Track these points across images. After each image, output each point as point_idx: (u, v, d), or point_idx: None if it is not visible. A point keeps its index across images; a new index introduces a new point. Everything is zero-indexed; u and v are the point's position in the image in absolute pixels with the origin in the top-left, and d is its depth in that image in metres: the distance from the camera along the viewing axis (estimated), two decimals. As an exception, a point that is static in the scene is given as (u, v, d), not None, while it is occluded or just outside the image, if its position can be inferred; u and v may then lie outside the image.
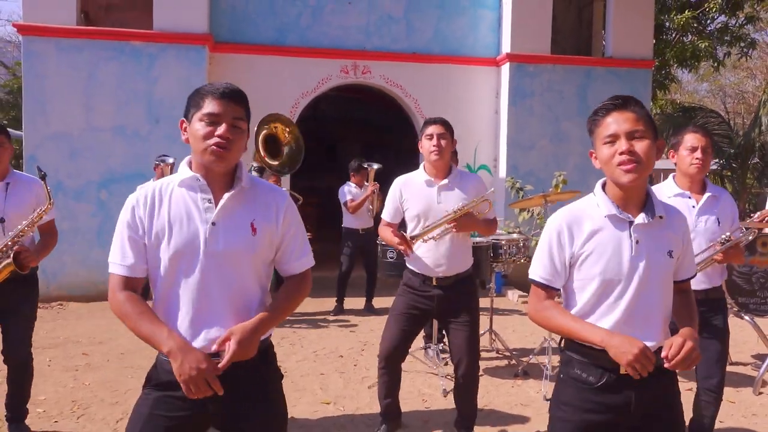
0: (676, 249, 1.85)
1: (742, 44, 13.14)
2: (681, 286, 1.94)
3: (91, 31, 7.52)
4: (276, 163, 3.83)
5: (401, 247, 3.23)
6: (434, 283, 3.27)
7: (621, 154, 1.74)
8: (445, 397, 4.13)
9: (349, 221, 6.85)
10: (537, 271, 1.91)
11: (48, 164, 7.26)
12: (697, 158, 3.00)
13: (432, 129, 3.24)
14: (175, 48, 7.58)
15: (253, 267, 1.83)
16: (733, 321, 5.16)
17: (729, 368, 4.95)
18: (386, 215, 3.43)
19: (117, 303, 1.77)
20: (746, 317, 4.31)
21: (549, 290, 1.90)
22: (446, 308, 3.29)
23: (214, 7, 8.04)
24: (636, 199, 1.83)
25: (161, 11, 7.55)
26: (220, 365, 1.70)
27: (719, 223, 3.06)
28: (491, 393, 4.27)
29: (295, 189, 8.58)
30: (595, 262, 1.81)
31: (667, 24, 13.13)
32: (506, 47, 8.54)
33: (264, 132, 3.85)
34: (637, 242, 1.80)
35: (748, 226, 4.56)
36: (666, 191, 3.12)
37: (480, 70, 8.79)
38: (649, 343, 1.75)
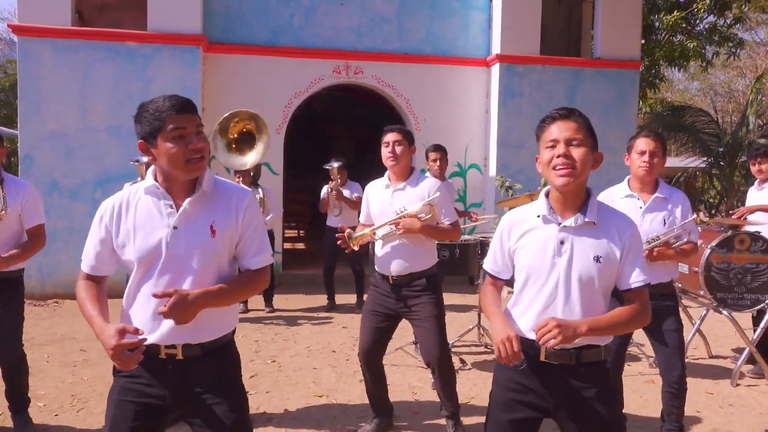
0: (608, 255, 1.93)
1: (731, 44, 13.35)
2: (626, 295, 1.98)
3: (86, 32, 7.60)
4: (249, 157, 3.83)
5: (339, 242, 3.37)
6: (390, 281, 3.38)
7: (558, 157, 1.89)
8: (434, 389, 4.26)
9: (328, 219, 6.96)
10: (487, 262, 2.16)
11: (44, 164, 7.37)
12: (644, 161, 3.20)
13: (388, 137, 3.37)
14: (170, 48, 7.67)
15: (214, 267, 1.95)
16: (713, 316, 5.35)
17: (710, 361, 5.15)
18: (361, 218, 3.64)
19: (76, 289, 2.02)
20: (724, 312, 4.46)
21: (496, 279, 2.13)
22: (405, 307, 3.39)
23: (208, 7, 8.13)
24: (572, 203, 1.96)
25: (155, 12, 7.63)
26: (159, 311, 1.81)
27: (665, 222, 3.24)
28: (479, 386, 4.41)
29: (288, 187, 8.70)
30: (523, 257, 2.00)
31: (657, 24, 13.31)
32: (496, 48, 8.68)
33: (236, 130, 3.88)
34: (561, 243, 1.93)
35: (724, 224, 4.72)
36: (618, 192, 3.35)
37: (470, 71, 8.93)
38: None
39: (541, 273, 1.94)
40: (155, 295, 1.83)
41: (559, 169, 1.88)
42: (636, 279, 1.95)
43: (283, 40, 8.47)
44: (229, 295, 1.95)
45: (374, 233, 3.38)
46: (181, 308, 1.81)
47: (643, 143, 3.22)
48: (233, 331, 2.07)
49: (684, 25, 13.22)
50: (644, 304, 1.97)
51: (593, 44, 9.43)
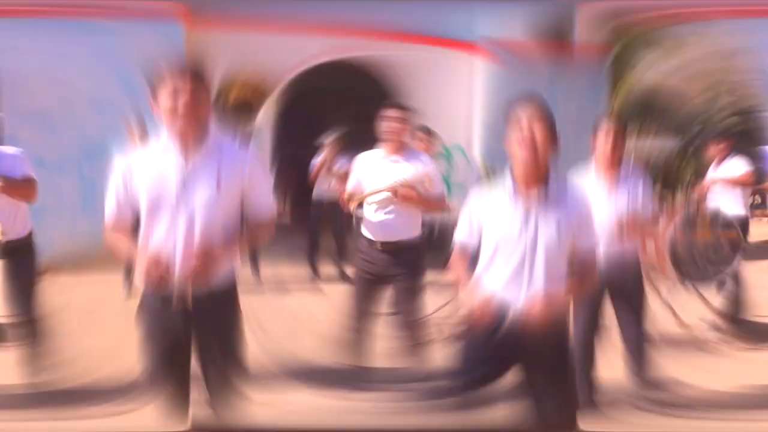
0: (568, 225, 2.22)
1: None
2: (580, 256, 2.31)
3: (64, 8, 7.51)
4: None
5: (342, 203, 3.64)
6: (379, 247, 3.60)
7: (523, 136, 2.17)
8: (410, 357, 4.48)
9: (314, 193, 7.18)
10: (457, 233, 2.42)
11: (28, 140, 7.33)
12: (610, 142, 3.40)
13: (389, 112, 3.59)
14: (152, 23, 7.59)
15: (220, 218, 2.18)
16: (680, 289, 5.62)
17: (678, 331, 5.39)
18: (348, 186, 3.83)
19: (105, 237, 2.31)
20: (690, 284, 4.74)
21: (464, 247, 2.37)
22: (389, 272, 3.62)
23: (194, -17, 8.09)
24: (534, 178, 2.21)
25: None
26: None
27: (630, 198, 3.47)
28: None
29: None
30: (492, 228, 2.24)
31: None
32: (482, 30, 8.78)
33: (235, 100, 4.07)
34: (527, 215, 2.19)
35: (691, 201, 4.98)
36: (584, 170, 3.55)
37: (456, 52, 9.01)
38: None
39: (508, 244, 2.19)
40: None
41: (523, 146, 2.14)
42: (590, 240, 2.33)
43: (273, 16, 8.44)
44: (242, 245, 2.27)
45: (370, 196, 3.58)
46: (207, 257, 2.08)
47: (607, 125, 3.45)
48: (235, 275, 2.32)
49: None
50: (594, 265, 2.38)
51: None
